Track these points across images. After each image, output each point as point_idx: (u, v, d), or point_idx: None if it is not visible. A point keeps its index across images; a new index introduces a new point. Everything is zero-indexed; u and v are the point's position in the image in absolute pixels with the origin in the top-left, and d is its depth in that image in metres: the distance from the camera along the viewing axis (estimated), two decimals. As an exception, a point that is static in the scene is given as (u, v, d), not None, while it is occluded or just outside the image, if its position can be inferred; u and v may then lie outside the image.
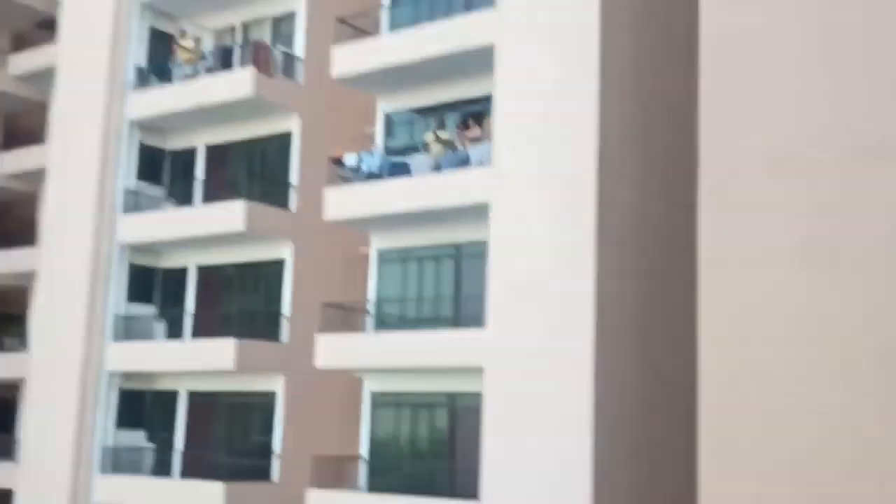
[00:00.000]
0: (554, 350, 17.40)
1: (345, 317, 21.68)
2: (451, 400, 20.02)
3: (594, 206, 17.43)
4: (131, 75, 26.01)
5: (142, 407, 25.29)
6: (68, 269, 25.50)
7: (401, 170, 20.95)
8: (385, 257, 21.81)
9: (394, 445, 20.99)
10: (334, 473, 21.02)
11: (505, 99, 18.87)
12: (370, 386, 21.38)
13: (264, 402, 23.30)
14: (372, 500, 19.98)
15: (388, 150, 21.79)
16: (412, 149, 21.48)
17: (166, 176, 26.49)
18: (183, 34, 25.92)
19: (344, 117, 24.34)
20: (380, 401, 21.19)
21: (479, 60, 19.67)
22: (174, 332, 25.23)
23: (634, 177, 18.69)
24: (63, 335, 25.20)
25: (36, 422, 25.62)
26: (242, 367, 22.51)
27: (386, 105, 22.55)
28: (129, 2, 26.17)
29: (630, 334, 18.13)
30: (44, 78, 28.88)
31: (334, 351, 20.97)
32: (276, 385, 23.20)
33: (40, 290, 26.57)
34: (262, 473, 22.78)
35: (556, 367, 17.34)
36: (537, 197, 18.13)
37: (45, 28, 30.96)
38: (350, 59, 21.70)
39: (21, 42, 32.00)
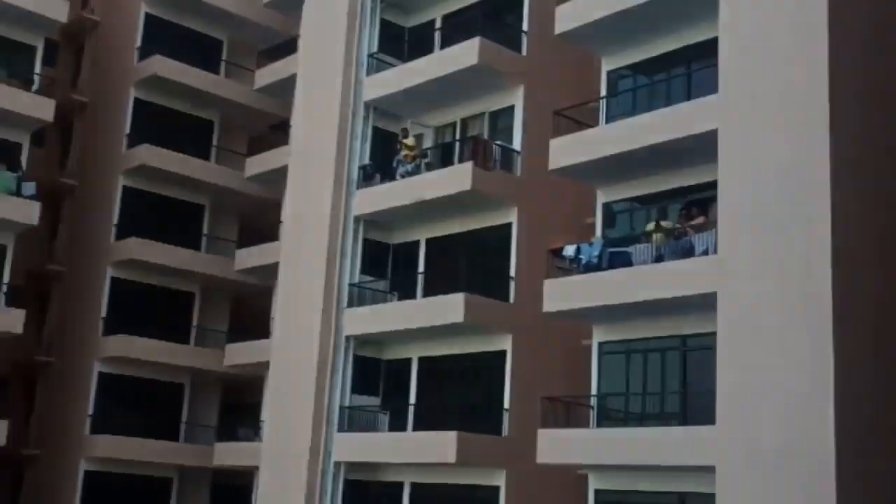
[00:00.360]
0: (792, 451, 16.31)
1: (566, 410, 21.25)
2: (681, 501, 19.08)
3: (831, 294, 16.39)
4: (356, 173, 27.00)
5: (366, 499, 25.58)
6: (297, 361, 26.42)
7: (621, 260, 20.54)
8: (607, 349, 21.33)
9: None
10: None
11: (730, 184, 18.23)
12: (595, 483, 20.76)
13: (487, 497, 23.04)
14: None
15: (608, 241, 21.46)
16: (633, 239, 21.05)
17: (389, 269, 27.16)
18: (405, 132, 26.75)
19: (562, 208, 24.27)
20: (605, 499, 20.51)
21: (702, 147, 19.15)
22: (397, 422, 25.52)
23: (875, 262, 17.50)
24: (293, 425, 26.00)
25: (268, 510, 26.43)
26: (463, 460, 22.41)
27: (605, 195, 22.32)
28: (356, 104, 27.31)
29: (876, 434, 16.77)
30: (277, 178, 30.43)
31: (556, 446, 20.54)
32: (497, 480, 22.93)
33: (272, 381, 27.65)
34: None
35: (795, 470, 16.22)
36: (768, 286, 17.26)
37: (279, 130, 32.82)
38: (568, 150, 21.67)
39: (257, 145, 34.01)
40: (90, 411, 30.60)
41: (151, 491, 31.16)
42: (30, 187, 28.94)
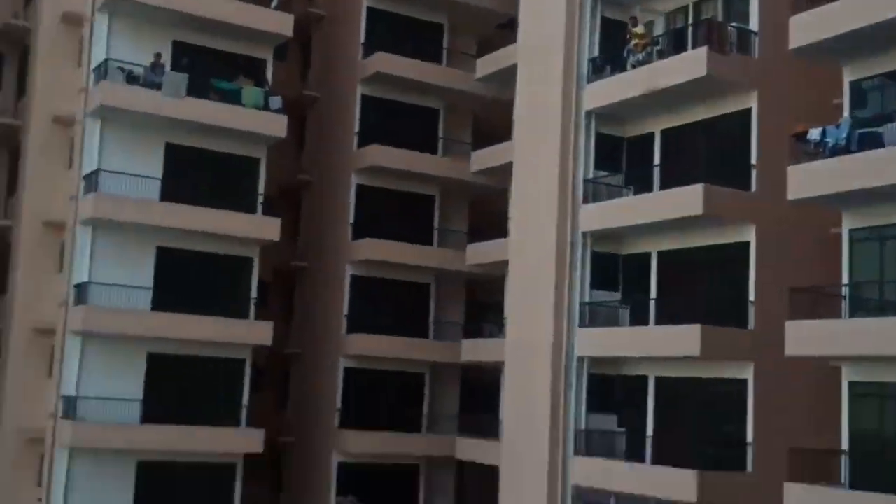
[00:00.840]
0: None
1: (815, 302, 20.44)
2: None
3: None
4: (586, 67, 26.55)
5: (611, 391, 25.84)
6: (536, 259, 26.73)
7: (872, 141, 19.27)
8: (859, 237, 20.23)
9: (878, 440, 19.44)
10: (812, 467, 19.91)
11: None
12: (849, 375, 19.99)
13: (734, 391, 22.70)
14: (856, 498, 18.66)
15: (857, 121, 20.14)
16: (885, 118, 19.66)
17: (624, 163, 26.77)
18: (634, 21, 25.96)
19: (805, 90, 22.95)
20: (860, 392, 19.74)
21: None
22: (638, 317, 25.44)
23: None
24: (534, 321, 26.46)
25: (514, 403, 27.23)
26: (708, 353, 22.11)
27: (852, 72, 20.88)
28: (583, -4, 26.73)
29: None
30: (507, 77, 30.42)
31: (806, 338, 19.84)
32: (745, 373, 22.50)
33: (512, 279, 28.15)
34: (735, 463, 22.25)
35: None
36: None
37: (507, 29, 32.69)
38: (809, 27, 20.35)
39: (485, 46, 34.05)
40: (345, 311, 32.32)
41: (406, 385, 32.77)
42: (276, 101, 30.44)
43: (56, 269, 29.66)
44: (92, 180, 27.96)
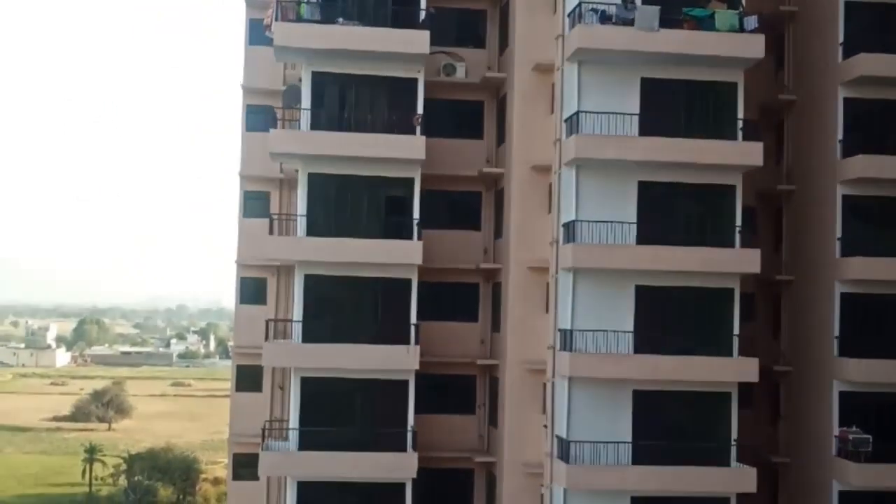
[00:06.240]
0: None
1: None
2: None
3: None
4: None
5: None
6: None
7: None
8: None
9: None
10: None
11: None
12: None
13: None
14: None
15: None
16: None
17: None
18: None
19: None
20: None
21: None
22: None
23: None
24: None
25: None
26: None
27: None
28: None
29: None
30: None
31: None
32: None
33: None
34: None
35: None
36: None
37: None
38: None
39: None
40: (838, 234, 30.57)
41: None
42: (752, 21, 29.32)
43: (545, 210, 31.22)
44: (573, 123, 28.99)
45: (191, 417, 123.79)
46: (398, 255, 30.55)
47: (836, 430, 30.16)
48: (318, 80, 31.11)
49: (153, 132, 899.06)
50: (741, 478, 28.53)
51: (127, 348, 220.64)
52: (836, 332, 30.37)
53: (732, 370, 28.88)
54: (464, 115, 34.38)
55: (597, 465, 28.27)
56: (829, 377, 30.48)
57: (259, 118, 35.24)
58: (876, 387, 29.92)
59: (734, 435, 29.07)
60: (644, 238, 28.91)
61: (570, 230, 28.98)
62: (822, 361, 30.92)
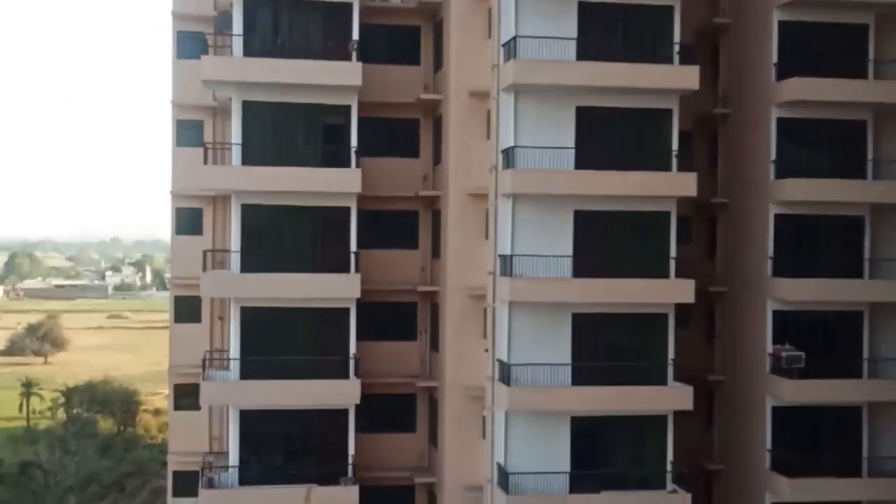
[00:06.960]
0: None
1: None
2: None
3: None
4: None
5: None
6: None
7: None
8: None
9: None
10: None
11: None
12: None
13: None
14: None
15: None
16: None
17: None
18: None
19: None
20: None
21: None
22: None
23: None
24: None
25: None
26: None
27: None
28: None
29: None
30: None
31: None
32: None
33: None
34: None
35: None
36: None
37: None
38: None
39: None
40: (772, 156, 30.94)
41: (843, 230, 31.08)
42: (686, -56, 29.18)
43: (484, 137, 31.11)
44: (510, 48, 28.77)
45: (129, 349, 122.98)
46: (336, 184, 30.34)
47: (769, 348, 30.90)
48: (251, 4, 30.47)
49: (88, 59, 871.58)
50: (678, 396, 29.22)
51: (61, 281, 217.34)
52: (770, 253, 30.93)
53: (669, 292, 29.34)
54: (401, 41, 33.92)
55: (537, 387, 28.72)
56: (763, 297, 31.14)
57: (190, 45, 34.46)
58: (809, 305, 30.64)
59: (671, 355, 29.70)
60: (582, 163, 29.02)
61: (509, 156, 28.97)
62: (756, 281, 31.56)
